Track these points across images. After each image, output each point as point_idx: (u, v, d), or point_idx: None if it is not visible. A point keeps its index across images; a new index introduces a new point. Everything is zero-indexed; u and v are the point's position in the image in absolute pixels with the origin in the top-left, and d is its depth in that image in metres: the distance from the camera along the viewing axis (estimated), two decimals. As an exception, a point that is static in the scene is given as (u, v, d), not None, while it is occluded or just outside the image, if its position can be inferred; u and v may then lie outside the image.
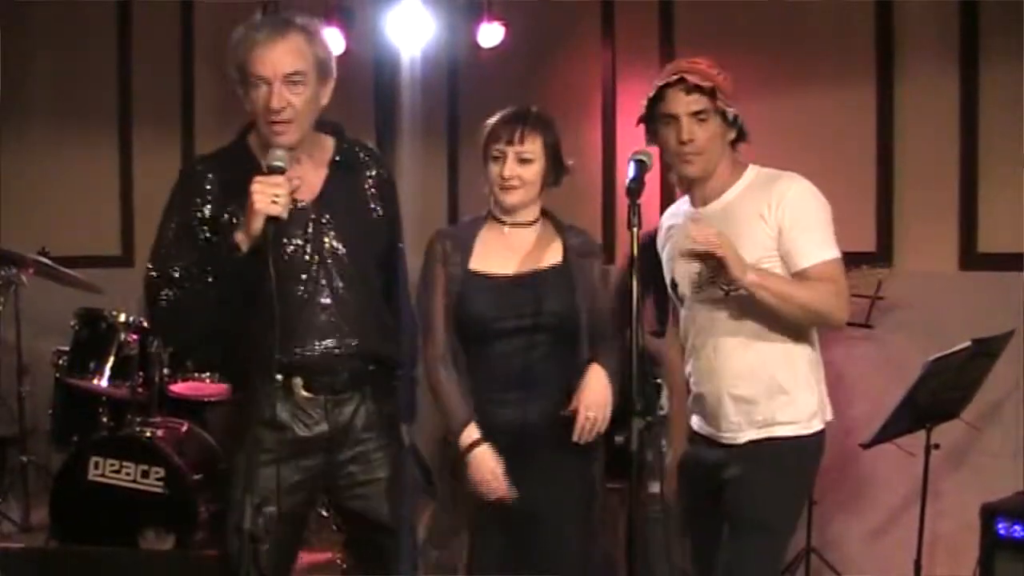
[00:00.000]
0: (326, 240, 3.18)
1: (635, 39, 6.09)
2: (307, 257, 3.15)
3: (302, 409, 3.17)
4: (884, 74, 5.28)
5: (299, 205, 3.13)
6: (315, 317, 3.16)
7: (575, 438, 3.39)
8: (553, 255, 3.55)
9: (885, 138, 5.28)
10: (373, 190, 3.32)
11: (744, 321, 3.28)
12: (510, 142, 3.46)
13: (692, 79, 3.23)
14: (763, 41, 5.52)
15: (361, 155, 3.35)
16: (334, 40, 6.22)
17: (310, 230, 3.16)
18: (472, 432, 3.43)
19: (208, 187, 3.15)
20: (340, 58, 6.49)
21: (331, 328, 3.17)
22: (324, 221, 3.18)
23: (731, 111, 3.26)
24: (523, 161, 3.46)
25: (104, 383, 5.56)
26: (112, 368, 5.55)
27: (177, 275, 3.08)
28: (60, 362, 5.74)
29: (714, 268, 3.19)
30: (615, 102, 6.26)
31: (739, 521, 3.28)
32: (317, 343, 3.17)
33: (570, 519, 3.50)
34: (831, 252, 3.28)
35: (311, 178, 3.19)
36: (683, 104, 3.25)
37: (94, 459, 5.29)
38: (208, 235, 3.11)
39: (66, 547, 5.24)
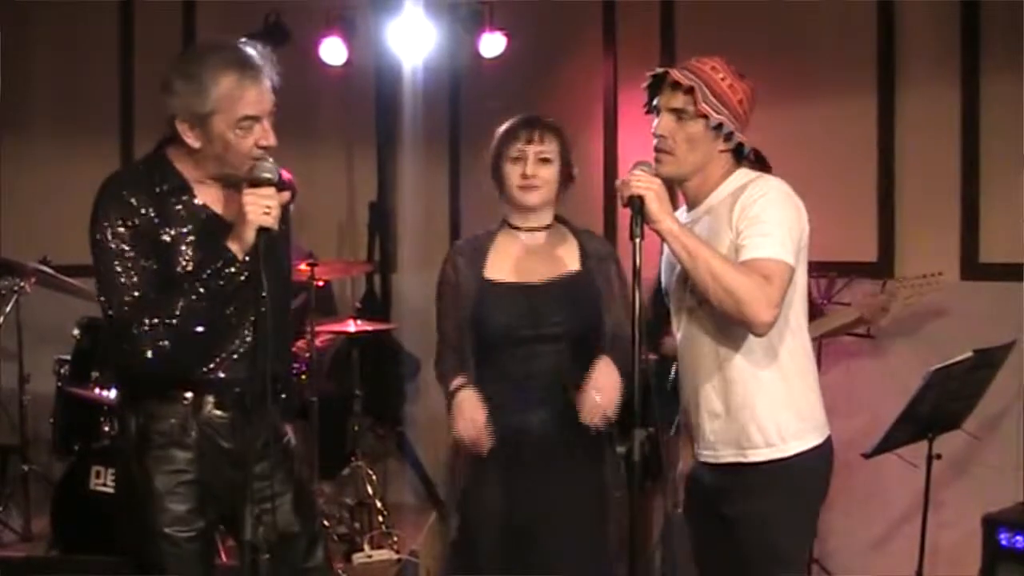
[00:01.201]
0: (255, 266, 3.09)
1: (637, 49, 6.10)
2: (241, 279, 3.02)
3: (212, 427, 3.13)
4: (885, 83, 5.28)
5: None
6: (237, 340, 3.13)
7: (582, 419, 3.37)
8: (570, 261, 3.57)
9: (886, 147, 5.28)
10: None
11: (718, 335, 3.14)
12: (530, 141, 3.51)
13: (674, 74, 3.11)
14: (765, 50, 5.52)
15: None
16: (336, 51, 6.26)
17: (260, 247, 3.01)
18: (459, 380, 3.46)
19: (140, 210, 3.07)
20: (342, 68, 6.56)
21: (248, 351, 3.11)
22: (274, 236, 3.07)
23: (716, 118, 3.07)
24: (543, 160, 3.51)
25: (106, 392, 5.55)
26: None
27: (145, 301, 2.99)
28: (62, 371, 5.73)
29: (643, 213, 2.98)
30: (617, 111, 6.28)
31: (749, 555, 3.15)
32: (234, 364, 3.13)
33: (581, 525, 3.50)
34: (778, 253, 3.00)
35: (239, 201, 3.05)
36: (664, 98, 3.15)
37: (95, 468, 5.28)
38: (148, 253, 3.04)
39: (67, 556, 5.23)
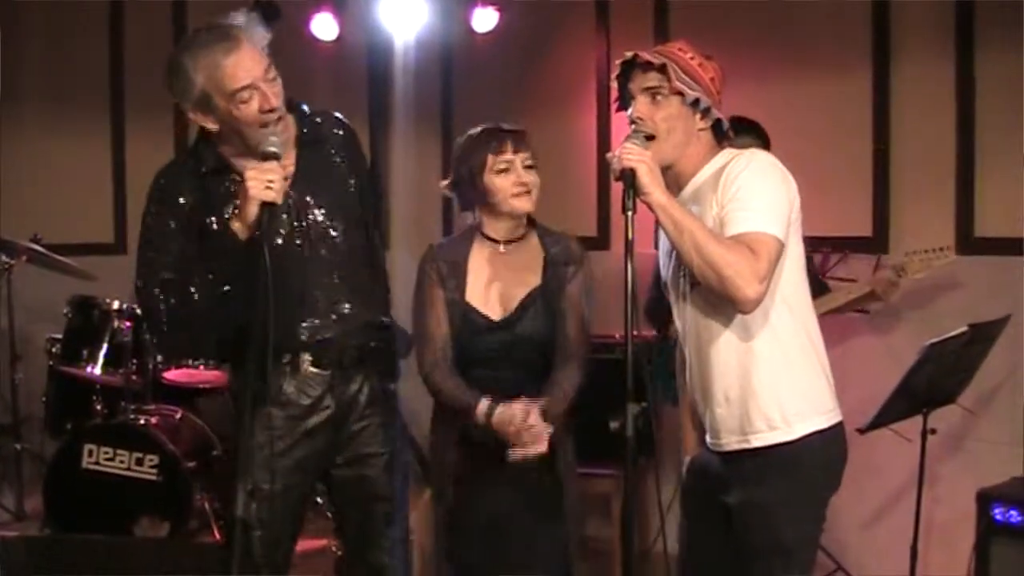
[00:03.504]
0: (311, 218, 3.21)
1: (630, 25, 6.06)
2: (299, 241, 3.18)
3: (309, 385, 3.21)
4: (880, 59, 5.26)
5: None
6: (318, 297, 3.20)
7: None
8: (535, 274, 3.63)
9: (881, 124, 5.26)
10: (342, 154, 3.33)
11: (719, 318, 3.08)
12: (516, 150, 3.55)
13: (643, 55, 3.09)
14: (759, 27, 5.50)
15: (321, 123, 3.33)
16: (327, 26, 6.22)
17: (295, 212, 3.18)
18: (484, 404, 3.48)
19: (174, 195, 3.16)
20: (333, 44, 6.53)
21: (332, 306, 3.21)
22: (307, 200, 3.20)
23: (691, 94, 3.03)
24: (528, 167, 3.58)
25: (97, 371, 5.55)
26: (105, 356, 5.54)
27: (170, 281, 3.10)
28: (53, 350, 5.72)
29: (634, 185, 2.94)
30: (610, 88, 6.22)
31: (752, 545, 3.09)
32: (322, 320, 3.21)
33: (540, 514, 3.58)
34: (765, 226, 2.93)
35: (283, 162, 3.15)
36: (636, 81, 3.12)
37: (88, 447, 5.28)
38: (182, 240, 3.13)
39: (60, 535, 5.24)
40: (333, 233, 3.23)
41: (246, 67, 3.03)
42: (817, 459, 3.08)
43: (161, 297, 3.09)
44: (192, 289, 3.06)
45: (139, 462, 5.23)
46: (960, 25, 5.01)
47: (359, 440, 3.29)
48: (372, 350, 3.31)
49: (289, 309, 3.12)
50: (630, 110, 3.14)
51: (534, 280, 3.61)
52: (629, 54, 3.14)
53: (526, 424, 3.42)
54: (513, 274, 3.62)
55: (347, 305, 3.24)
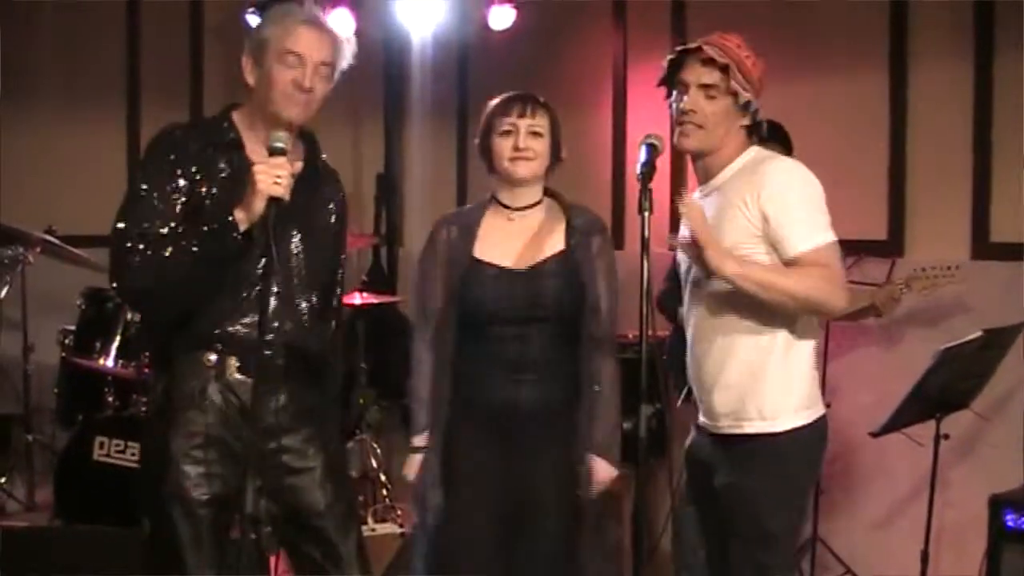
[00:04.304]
0: (288, 234, 3.20)
1: (647, 23, 6.06)
2: (270, 243, 3.03)
3: (232, 391, 3.14)
4: (897, 62, 5.24)
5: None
6: (262, 300, 3.09)
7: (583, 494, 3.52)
8: (556, 241, 3.57)
9: (897, 126, 5.24)
10: (332, 206, 3.39)
11: (729, 308, 3.20)
12: (522, 115, 3.51)
13: (709, 51, 3.16)
14: (776, 28, 5.48)
15: (330, 174, 3.42)
16: (344, 22, 6.22)
17: (275, 220, 3.06)
18: (420, 440, 3.56)
19: (184, 155, 3.13)
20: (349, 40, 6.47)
21: (275, 314, 3.11)
22: (289, 216, 3.12)
23: (745, 95, 3.16)
24: (534, 134, 3.52)
25: (110, 363, 5.55)
26: (118, 348, 5.55)
27: (152, 233, 3.04)
28: (66, 341, 5.74)
29: (696, 257, 3.12)
30: (626, 85, 6.23)
31: (736, 530, 3.22)
32: (254, 323, 3.11)
33: (552, 498, 3.52)
34: (822, 237, 3.13)
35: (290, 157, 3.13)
36: (695, 74, 3.19)
37: (99, 439, 5.29)
38: (182, 203, 3.10)
39: (70, 526, 5.24)
40: (300, 255, 3.23)
41: (311, 43, 3.14)
42: (804, 449, 3.27)
43: (140, 245, 3.02)
44: (169, 251, 3.00)
45: (149, 455, 5.23)
46: (978, 28, 4.99)
47: (287, 455, 3.20)
48: (298, 368, 3.22)
49: (231, 304, 3.10)
50: (680, 98, 3.21)
51: (556, 245, 3.56)
52: (693, 44, 3.22)
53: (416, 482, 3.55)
54: (530, 239, 3.56)
55: (287, 322, 3.17)
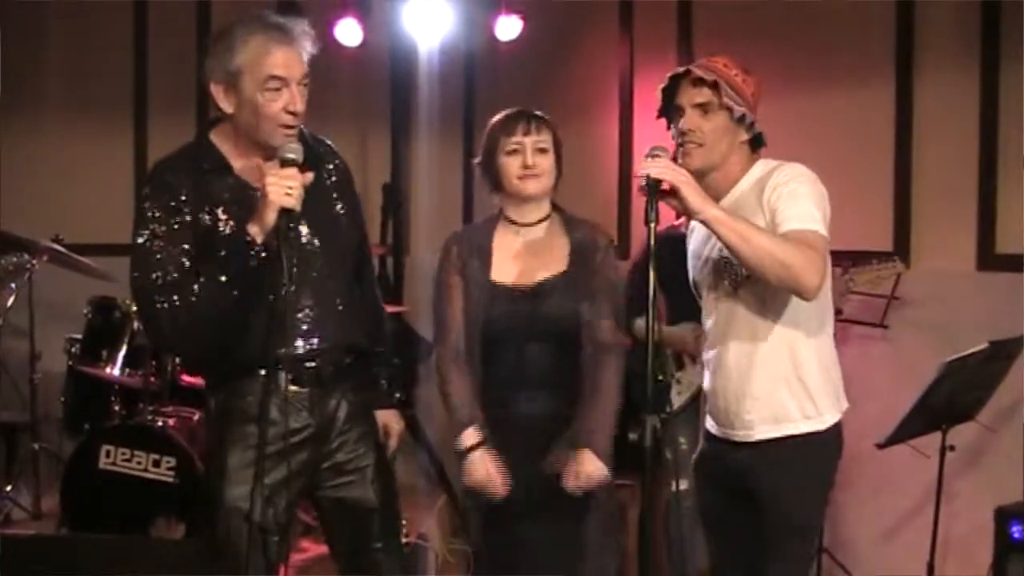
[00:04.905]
0: (300, 236, 3.19)
1: (653, 33, 6.07)
2: (285, 256, 3.04)
3: (289, 403, 3.16)
4: (903, 72, 5.26)
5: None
6: (298, 314, 3.17)
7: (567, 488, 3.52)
8: (560, 259, 3.61)
9: (903, 136, 5.26)
10: (334, 179, 3.37)
11: (756, 316, 3.25)
12: (527, 132, 3.56)
13: (696, 71, 3.24)
14: (782, 38, 5.50)
15: (320, 149, 3.37)
16: (351, 31, 6.24)
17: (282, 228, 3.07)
18: (472, 435, 3.54)
19: (179, 191, 3.11)
20: (356, 50, 6.53)
21: (313, 325, 3.20)
22: (295, 218, 3.11)
23: (739, 109, 3.22)
24: (540, 151, 3.56)
25: (116, 371, 5.56)
26: (124, 356, 5.56)
27: (169, 281, 3.04)
28: (72, 350, 5.75)
29: (677, 204, 3.09)
30: (632, 96, 6.24)
31: (775, 528, 3.26)
32: (301, 340, 3.19)
33: (561, 506, 3.55)
34: (815, 225, 3.14)
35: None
36: (687, 96, 3.26)
37: (105, 447, 5.28)
38: (193, 234, 3.09)
39: (77, 535, 5.24)
40: (318, 253, 3.23)
41: (289, 62, 3.08)
42: (834, 445, 3.35)
43: (161, 297, 3.02)
44: (196, 289, 3.01)
45: (156, 463, 5.23)
46: (984, 39, 5.00)
47: (341, 454, 3.28)
48: (348, 367, 3.29)
49: (276, 323, 3.05)
50: (679, 122, 3.28)
51: (558, 266, 3.59)
52: (681, 69, 3.30)
53: (490, 477, 3.51)
54: (536, 258, 3.61)
55: (327, 327, 3.21)
